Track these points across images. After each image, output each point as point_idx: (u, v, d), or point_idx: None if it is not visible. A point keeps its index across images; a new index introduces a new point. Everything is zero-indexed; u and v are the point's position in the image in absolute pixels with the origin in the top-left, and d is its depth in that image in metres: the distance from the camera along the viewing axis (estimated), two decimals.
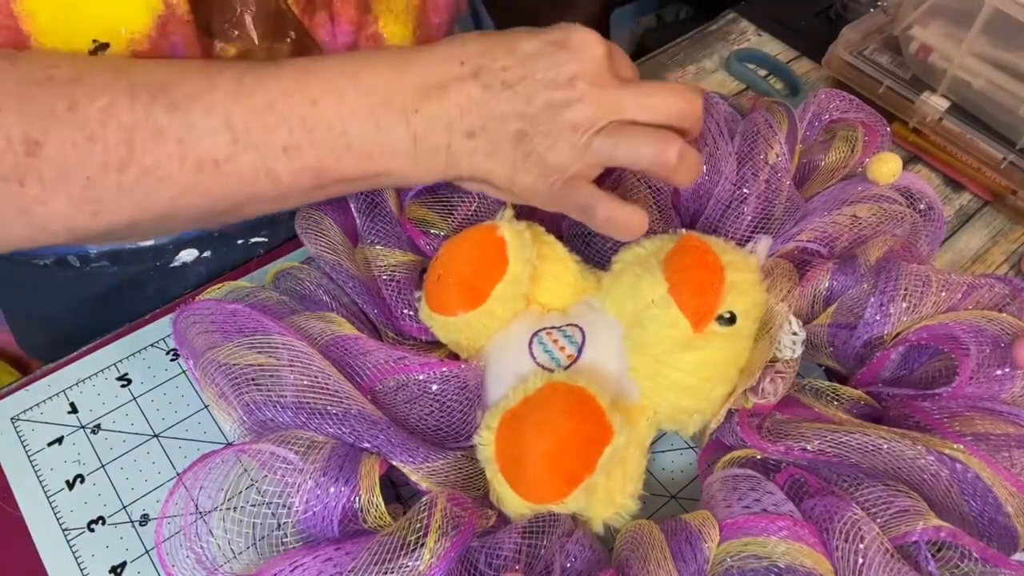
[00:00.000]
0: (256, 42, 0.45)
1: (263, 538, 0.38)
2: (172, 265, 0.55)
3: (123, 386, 0.47)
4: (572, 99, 0.40)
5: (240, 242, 0.56)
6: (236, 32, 0.44)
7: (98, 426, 0.45)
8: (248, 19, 0.44)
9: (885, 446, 0.38)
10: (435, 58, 0.41)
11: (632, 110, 0.40)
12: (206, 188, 0.40)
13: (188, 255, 0.55)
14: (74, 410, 0.46)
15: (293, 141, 0.40)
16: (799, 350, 0.42)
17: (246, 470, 0.39)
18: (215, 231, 0.54)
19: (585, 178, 0.42)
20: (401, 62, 0.41)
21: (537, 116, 0.40)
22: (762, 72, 0.68)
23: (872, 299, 0.42)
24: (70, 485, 0.43)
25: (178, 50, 0.43)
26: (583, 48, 0.41)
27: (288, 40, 0.46)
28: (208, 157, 0.39)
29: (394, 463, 0.39)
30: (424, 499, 0.37)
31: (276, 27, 0.45)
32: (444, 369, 0.42)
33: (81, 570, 0.40)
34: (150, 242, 0.53)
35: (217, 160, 0.39)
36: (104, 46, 0.41)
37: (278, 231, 0.57)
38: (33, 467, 0.44)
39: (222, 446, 0.44)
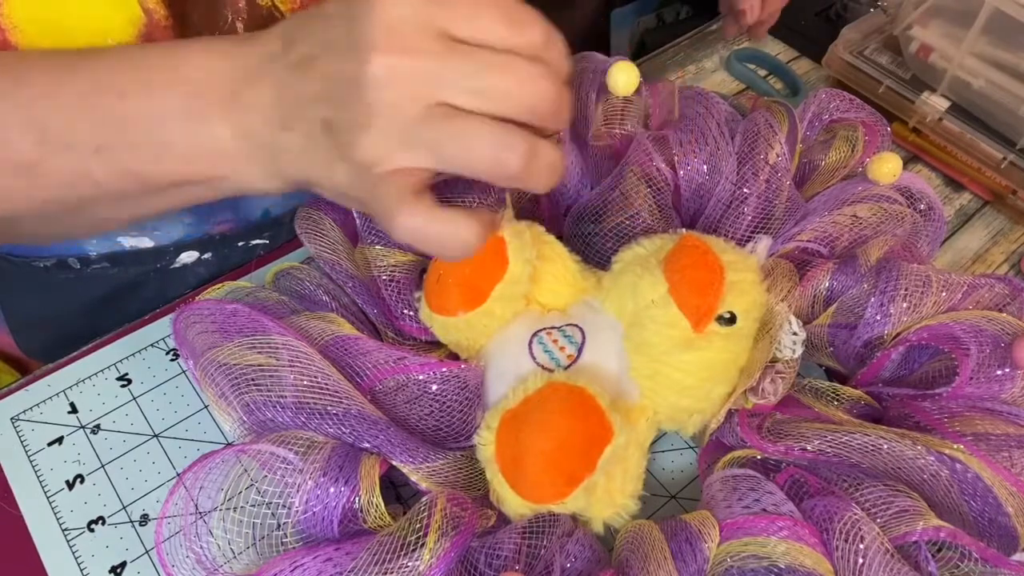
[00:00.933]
0: None
1: (263, 538, 0.38)
2: (172, 267, 0.55)
3: (123, 386, 0.47)
4: (368, 75, 0.31)
5: (241, 244, 0.56)
6: None
7: (98, 426, 0.45)
8: (240, 26, 0.43)
9: (885, 446, 0.38)
10: (260, 39, 0.35)
11: (456, 92, 0.31)
12: (26, 192, 0.36)
13: (189, 257, 0.55)
14: (74, 410, 0.46)
15: (105, 140, 0.35)
16: (799, 350, 0.42)
17: (246, 470, 0.39)
18: (216, 234, 0.54)
19: (408, 179, 0.33)
20: (226, 47, 0.35)
21: (340, 98, 0.32)
22: (762, 72, 0.68)
23: (872, 299, 0.42)
24: (70, 485, 0.43)
25: None
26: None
27: None
28: (21, 159, 0.35)
29: (394, 463, 0.39)
30: (424, 499, 0.37)
31: None
32: (444, 369, 0.42)
33: (81, 570, 0.40)
34: (150, 244, 0.53)
35: (31, 162, 0.35)
36: None
37: (280, 233, 0.57)
38: (33, 467, 0.44)
39: (222, 446, 0.44)
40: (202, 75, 0.35)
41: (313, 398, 0.39)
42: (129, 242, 0.53)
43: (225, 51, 0.35)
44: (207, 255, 0.55)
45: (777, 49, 0.71)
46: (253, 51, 0.34)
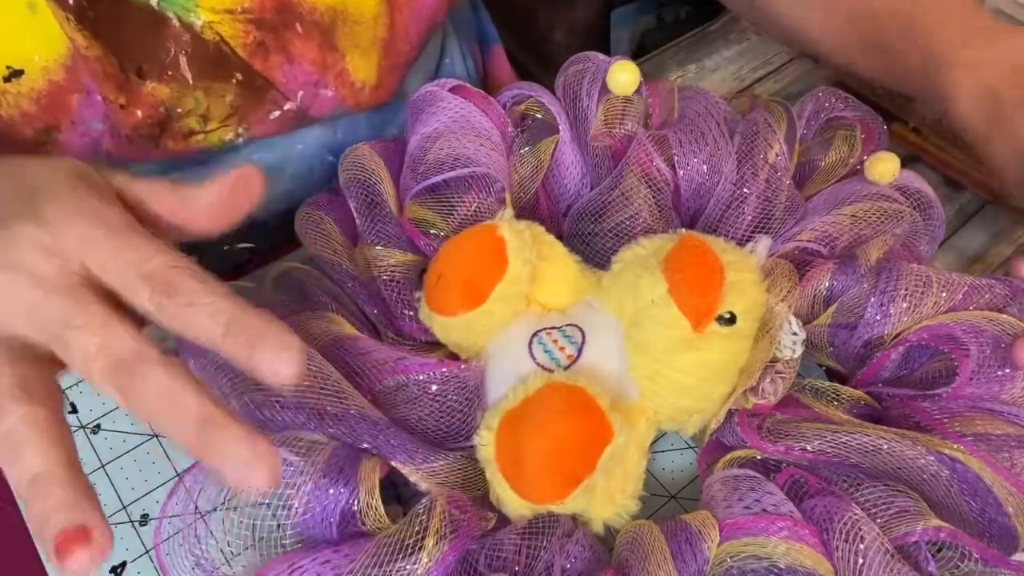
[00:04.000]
0: (191, 82, 0.44)
1: (263, 539, 0.38)
2: None
3: None
4: None
5: (226, 248, 0.56)
6: (170, 72, 0.44)
7: (98, 426, 0.45)
8: (183, 60, 0.43)
9: (885, 446, 0.38)
10: None
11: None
12: None
13: None
14: (74, 410, 0.46)
15: None
16: (799, 350, 0.42)
17: None
18: (196, 241, 0.54)
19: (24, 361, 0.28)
20: None
21: None
22: None
23: (872, 299, 0.42)
24: None
25: (92, 87, 0.43)
26: None
27: (234, 81, 0.46)
28: None
29: (393, 464, 0.38)
30: (423, 501, 0.37)
31: (216, 69, 0.45)
32: (444, 369, 0.42)
33: None
34: None
35: None
36: (18, 72, 0.41)
37: (264, 236, 0.57)
38: None
39: None
40: None
41: (312, 398, 0.39)
42: None
43: None
44: (192, 258, 0.55)
45: (777, 49, 0.71)
46: None
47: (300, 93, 0.48)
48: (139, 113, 0.44)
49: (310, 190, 0.56)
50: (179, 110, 0.45)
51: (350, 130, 0.56)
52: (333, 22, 0.47)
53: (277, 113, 0.49)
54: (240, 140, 0.49)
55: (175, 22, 0.42)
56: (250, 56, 0.45)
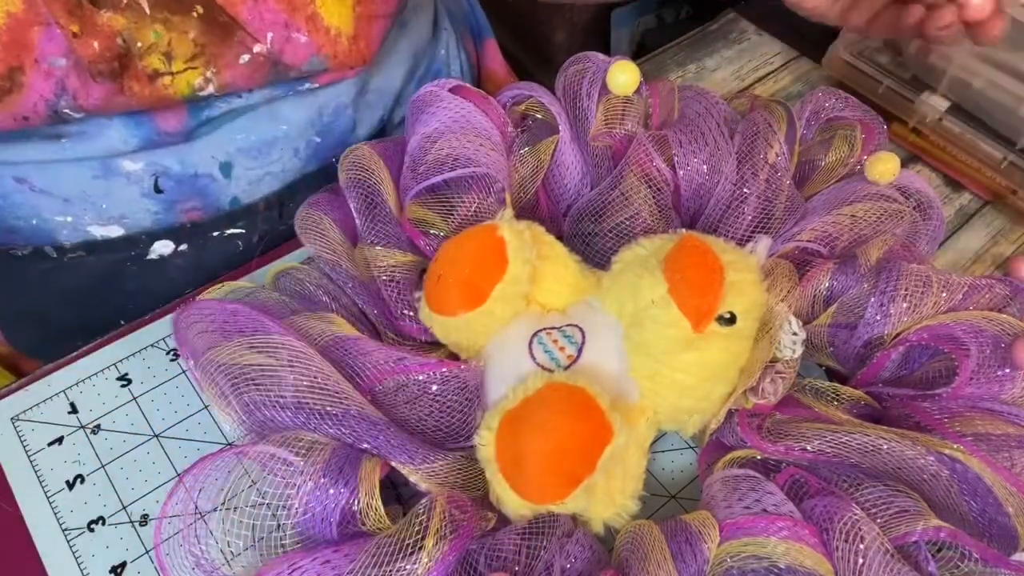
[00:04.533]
0: (148, 11, 0.43)
1: (263, 539, 0.38)
2: (149, 257, 0.55)
3: (123, 386, 0.47)
4: None
5: (216, 234, 0.56)
6: (125, 1, 0.42)
7: (98, 426, 0.45)
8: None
9: (885, 446, 0.38)
10: None
11: None
12: None
13: (164, 247, 0.55)
14: (74, 410, 0.46)
15: None
16: (799, 350, 0.42)
17: (247, 471, 0.39)
18: (186, 222, 0.54)
19: None
20: None
21: None
22: None
23: (872, 299, 0.42)
24: (70, 485, 0.43)
25: (49, 18, 0.41)
26: None
27: (195, 14, 0.44)
28: None
29: (393, 464, 0.38)
30: (423, 501, 0.37)
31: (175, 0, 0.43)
32: (444, 369, 0.42)
33: (81, 570, 0.40)
34: (121, 232, 0.53)
35: None
36: None
37: (255, 222, 0.57)
38: (33, 467, 0.44)
39: (222, 447, 0.44)
40: None
41: (312, 398, 0.39)
42: (99, 232, 0.53)
43: None
44: (183, 246, 0.55)
45: (777, 49, 0.71)
46: None
47: (270, 35, 0.47)
48: (96, 44, 0.43)
49: (297, 172, 0.56)
50: (139, 44, 0.44)
51: (337, 111, 0.56)
52: None
53: (247, 57, 0.47)
54: (211, 88, 0.48)
55: None
56: None
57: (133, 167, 0.51)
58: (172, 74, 0.46)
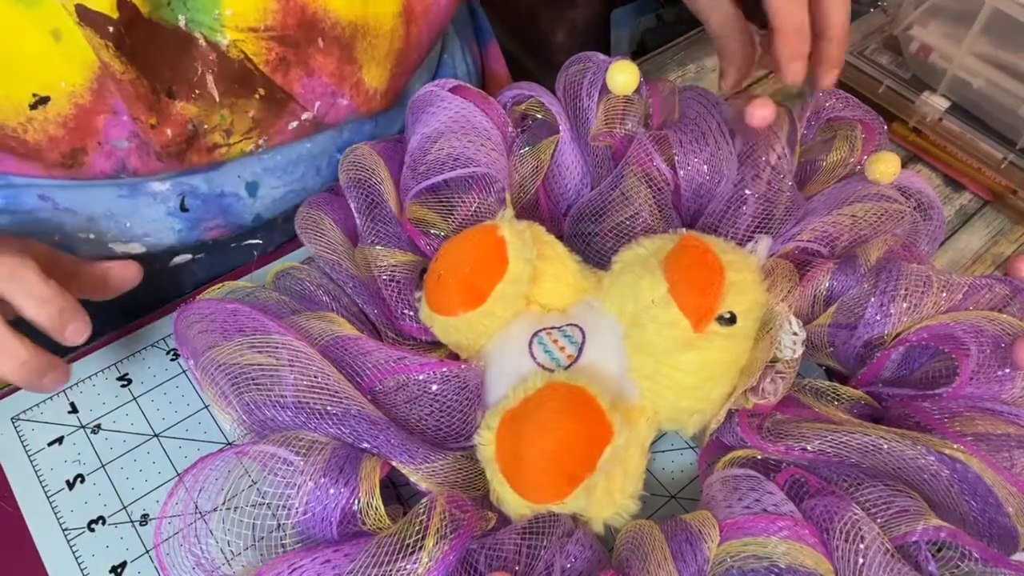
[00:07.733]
0: (217, 99, 0.45)
1: (263, 539, 0.38)
2: (167, 267, 0.55)
3: (123, 386, 0.47)
4: None
5: (233, 245, 0.56)
6: (197, 91, 0.45)
7: (98, 426, 0.45)
8: (210, 79, 0.45)
9: (885, 446, 0.38)
10: None
11: None
12: None
13: (181, 258, 0.55)
14: (74, 410, 0.46)
15: None
16: (799, 350, 0.42)
17: (247, 471, 0.39)
18: (208, 239, 0.54)
19: None
20: None
21: None
22: None
23: (872, 299, 0.42)
24: (70, 485, 0.43)
25: (118, 107, 0.43)
26: None
27: (257, 96, 0.47)
28: None
29: (393, 464, 0.38)
30: (423, 501, 0.37)
31: (241, 86, 0.46)
32: (444, 369, 0.42)
33: (81, 570, 0.40)
34: (142, 250, 0.53)
35: None
36: (44, 99, 0.42)
37: (273, 234, 0.57)
38: (33, 467, 0.44)
39: (222, 446, 0.44)
40: None
41: (313, 398, 0.39)
42: (120, 249, 0.53)
43: None
44: (200, 255, 0.56)
45: None
46: None
47: (317, 103, 0.50)
48: (169, 132, 0.45)
49: (318, 187, 0.56)
50: (206, 126, 0.47)
51: (356, 128, 0.56)
52: (354, 36, 0.48)
53: (295, 124, 0.50)
54: (259, 150, 0.50)
55: (202, 42, 0.43)
56: (272, 71, 0.46)
57: (161, 188, 0.51)
58: (229, 145, 0.48)
